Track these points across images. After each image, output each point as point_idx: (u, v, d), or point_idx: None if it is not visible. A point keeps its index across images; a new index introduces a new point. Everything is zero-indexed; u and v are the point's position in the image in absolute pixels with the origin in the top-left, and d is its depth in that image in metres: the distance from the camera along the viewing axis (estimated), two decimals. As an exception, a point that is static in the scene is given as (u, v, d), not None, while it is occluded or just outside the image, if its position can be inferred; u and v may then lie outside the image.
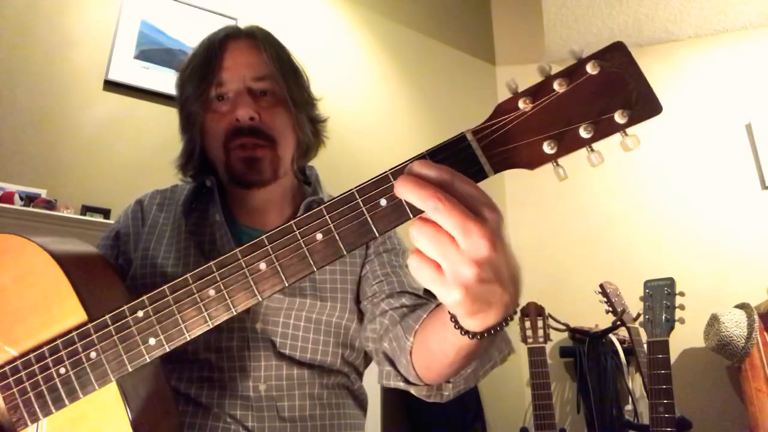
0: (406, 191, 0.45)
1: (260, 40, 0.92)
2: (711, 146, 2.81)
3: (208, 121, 0.90)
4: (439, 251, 0.43)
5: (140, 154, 2.14)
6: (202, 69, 0.90)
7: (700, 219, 2.72)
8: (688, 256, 2.66)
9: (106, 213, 1.94)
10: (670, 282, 1.71)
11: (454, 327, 0.52)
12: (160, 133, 2.15)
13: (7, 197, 1.75)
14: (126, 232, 0.92)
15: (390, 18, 3.07)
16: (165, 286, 0.57)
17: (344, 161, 2.53)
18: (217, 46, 0.90)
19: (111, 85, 2.18)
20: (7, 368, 0.62)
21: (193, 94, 0.90)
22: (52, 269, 0.63)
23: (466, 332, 0.51)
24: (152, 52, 2.29)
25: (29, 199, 1.81)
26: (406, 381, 0.74)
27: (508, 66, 3.39)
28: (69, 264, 0.64)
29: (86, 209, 1.94)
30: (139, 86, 2.22)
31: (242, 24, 2.37)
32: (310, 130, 0.97)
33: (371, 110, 2.84)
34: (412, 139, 2.93)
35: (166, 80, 2.26)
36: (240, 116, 0.85)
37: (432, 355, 0.65)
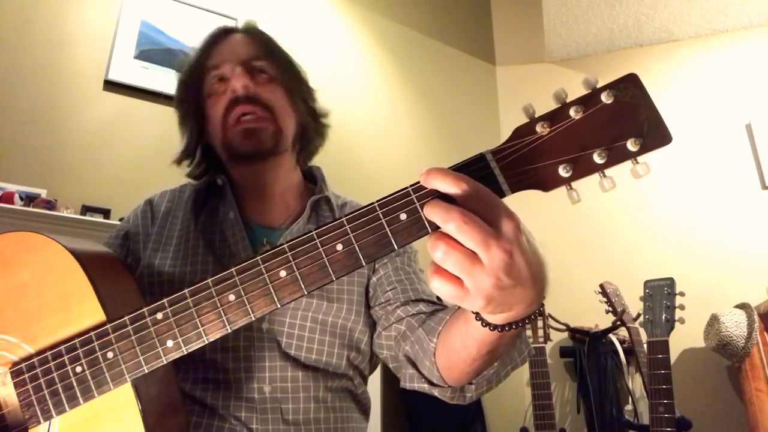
0: (432, 214, 0.47)
1: (255, 35, 0.96)
2: (711, 146, 2.81)
3: (208, 106, 0.91)
4: (463, 270, 0.46)
5: (140, 154, 2.14)
6: (198, 60, 0.93)
7: (700, 219, 2.72)
8: (688, 256, 2.66)
9: (106, 213, 1.94)
10: (670, 282, 1.71)
11: (476, 319, 0.54)
12: (160, 133, 2.15)
13: (7, 197, 1.75)
14: (135, 231, 0.92)
15: (390, 18, 3.07)
16: (186, 290, 0.57)
17: (344, 161, 2.53)
18: (214, 39, 0.94)
19: (111, 85, 2.18)
20: (23, 365, 0.62)
21: (192, 83, 0.92)
22: (74, 269, 0.63)
23: (488, 324, 0.53)
24: (152, 52, 2.29)
25: (29, 199, 1.81)
26: (430, 383, 0.75)
27: (508, 66, 3.39)
28: (89, 264, 0.64)
29: (86, 209, 1.93)
30: (139, 86, 2.22)
31: (242, 24, 2.36)
32: (309, 114, 0.98)
33: (371, 110, 2.84)
34: (412, 139, 2.93)
35: (166, 80, 2.25)
36: (236, 86, 0.87)
37: (455, 352, 0.66)
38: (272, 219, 0.94)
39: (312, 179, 1.03)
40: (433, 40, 3.19)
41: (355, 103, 2.77)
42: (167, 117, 2.19)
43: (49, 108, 2.04)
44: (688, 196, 2.77)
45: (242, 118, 0.87)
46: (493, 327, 0.53)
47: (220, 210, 0.93)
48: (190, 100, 0.94)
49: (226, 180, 0.95)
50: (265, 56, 0.93)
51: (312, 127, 0.99)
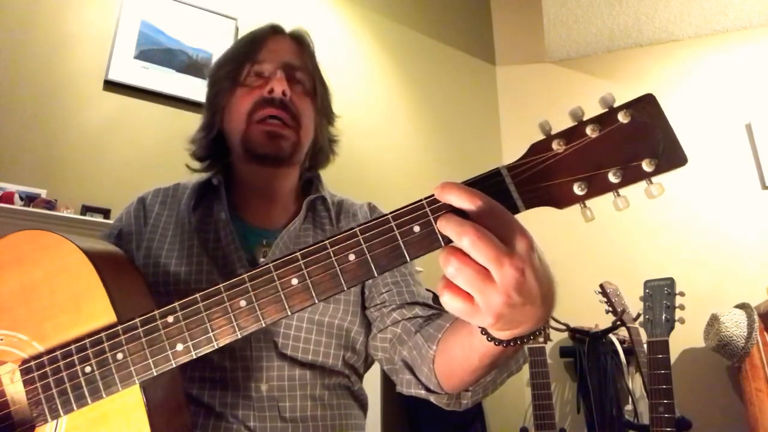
0: (446, 228, 0.47)
1: (303, 43, 0.98)
2: (711, 146, 2.81)
3: (237, 96, 0.91)
4: (475, 287, 0.46)
5: (140, 154, 2.14)
6: (242, 50, 0.94)
7: (700, 219, 2.72)
8: (688, 256, 2.66)
9: (106, 213, 1.94)
10: (670, 282, 1.71)
11: (482, 334, 0.54)
12: (160, 133, 2.15)
13: (7, 197, 1.75)
14: (128, 230, 0.92)
15: (390, 18, 3.07)
16: (197, 294, 0.58)
17: (344, 161, 2.52)
18: (263, 34, 0.95)
19: (111, 85, 2.18)
20: (33, 363, 0.63)
21: (230, 72, 0.92)
22: (86, 268, 0.64)
23: (493, 339, 0.53)
24: (152, 52, 2.29)
25: (29, 199, 1.81)
26: (427, 389, 0.75)
27: (508, 66, 3.39)
28: (102, 264, 0.65)
29: (86, 209, 1.93)
30: (139, 86, 2.21)
31: (242, 24, 2.35)
32: (328, 137, 1.01)
33: (371, 110, 2.84)
34: (412, 139, 2.93)
35: (166, 80, 2.26)
36: (275, 88, 0.88)
37: (455, 362, 0.66)
38: (270, 221, 0.94)
39: (308, 179, 1.04)
40: (433, 40, 3.19)
41: (355, 102, 2.77)
42: (167, 117, 2.21)
43: (49, 108, 2.04)
44: (688, 196, 2.77)
45: (269, 120, 0.88)
46: (499, 342, 0.53)
47: (214, 209, 0.93)
48: (222, 90, 0.94)
49: (222, 180, 0.95)
50: (307, 69, 0.95)
51: (325, 149, 1.02)
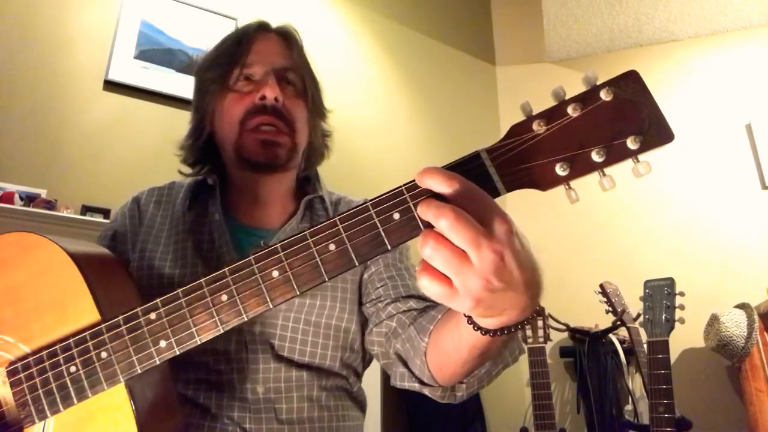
0: (426, 212, 0.47)
1: (291, 40, 0.96)
2: (711, 146, 2.81)
3: (227, 101, 0.89)
4: (452, 268, 0.45)
5: (140, 154, 2.14)
6: (230, 51, 0.91)
7: (700, 219, 2.72)
8: (688, 256, 2.66)
9: (106, 213, 1.94)
10: (670, 282, 1.71)
11: (468, 323, 0.53)
12: (160, 133, 2.15)
13: (7, 197, 1.75)
14: (123, 231, 0.91)
15: (390, 18, 3.07)
16: (179, 290, 0.57)
17: (344, 161, 2.53)
18: (250, 33, 0.93)
19: (111, 85, 2.18)
20: (18, 365, 0.63)
21: (218, 75, 0.90)
22: (69, 269, 0.63)
23: (479, 328, 0.52)
24: (152, 52, 2.29)
25: (29, 199, 1.81)
26: (421, 382, 0.74)
27: (508, 66, 3.39)
28: (85, 264, 0.65)
29: (86, 209, 1.93)
30: (139, 86, 2.21)
31: (242, 24, 2.38)
32: (321, 134, 1.00)
33: (371, 110, 2.84)
34: (411, 139, 2.93)
35: (166, 80, 2.26)
36: (267, 94, 0.86)
37: (446, 353, 0.65)
38: (267, 221, 0.93)
39: (306, 178, 1.03)
40: (433, 40, 3.19)
41: (355, 102, 2.77)
42: (167, 117, 2.21)
43: (49, 108, 2.04)
44: (689, 196, 2.77)
45: (262, 128, 0.86)
46: (485, 331, 0.52)
47: (210, 209, 0.92)
48: (211, 92, 0.91)
49: (217, 179, 0.94)
50: (297, 68, 0.93)
51: (319, 147, 1.01)
